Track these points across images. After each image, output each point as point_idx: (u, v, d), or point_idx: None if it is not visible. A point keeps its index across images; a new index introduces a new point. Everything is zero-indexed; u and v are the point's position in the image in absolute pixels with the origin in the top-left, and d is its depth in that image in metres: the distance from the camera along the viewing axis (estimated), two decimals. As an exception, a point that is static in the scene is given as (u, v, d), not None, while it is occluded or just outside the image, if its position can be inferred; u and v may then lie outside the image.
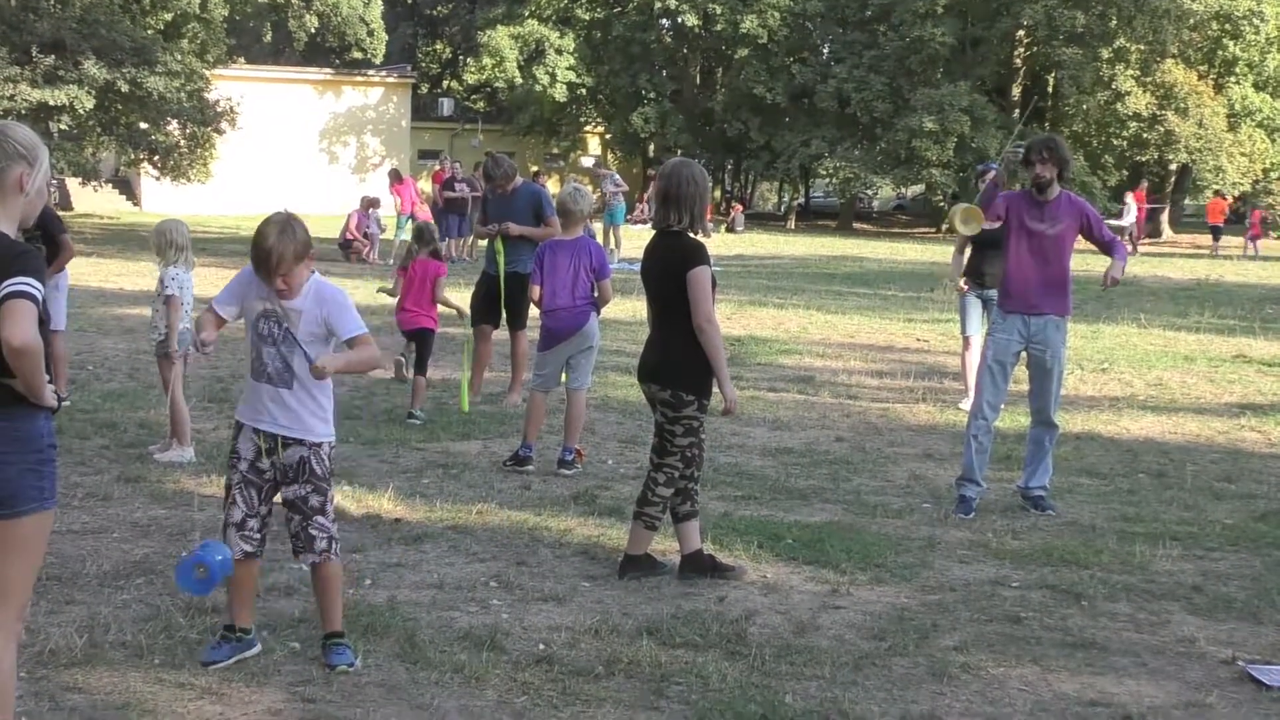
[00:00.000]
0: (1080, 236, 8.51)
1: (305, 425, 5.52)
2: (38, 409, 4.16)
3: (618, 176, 34.96)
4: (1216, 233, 42.10)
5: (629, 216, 37.61)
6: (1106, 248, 8.63)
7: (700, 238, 6.95)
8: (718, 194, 63.74)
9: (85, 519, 7.71)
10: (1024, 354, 8.49)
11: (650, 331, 7.10)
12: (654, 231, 7.06)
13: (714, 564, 6.95)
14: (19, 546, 4.21)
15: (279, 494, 5.60)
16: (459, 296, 11.82)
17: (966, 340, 11.92)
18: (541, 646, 5.77)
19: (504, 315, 11.84)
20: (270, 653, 5.59)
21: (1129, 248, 40.59)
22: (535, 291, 9.50)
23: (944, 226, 20.13)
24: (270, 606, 6.18)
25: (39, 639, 5.57)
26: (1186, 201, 58.33)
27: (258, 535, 5.57)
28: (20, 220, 4.28)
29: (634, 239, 34.35)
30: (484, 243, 12.62)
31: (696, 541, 7.00)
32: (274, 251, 5.33)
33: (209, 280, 23.17)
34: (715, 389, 6.89)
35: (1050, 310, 8.42)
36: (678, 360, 6.78)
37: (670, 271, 6.81)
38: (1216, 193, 47.46)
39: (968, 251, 11.75)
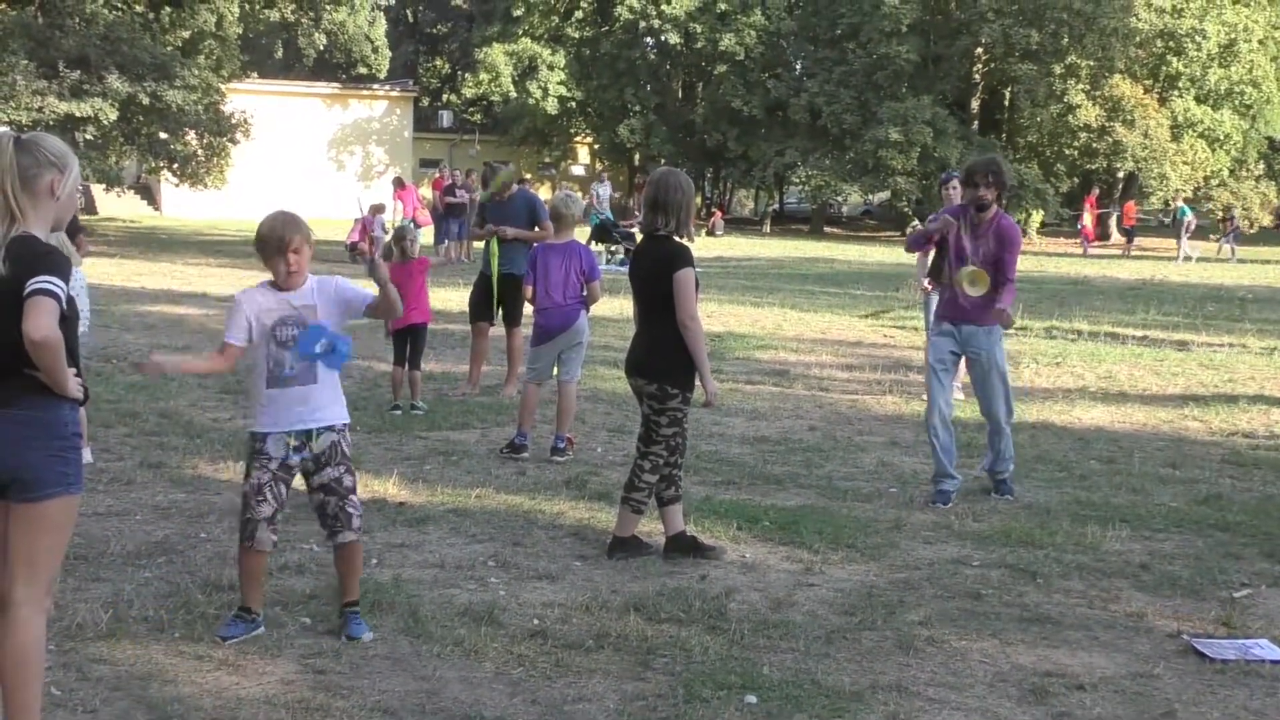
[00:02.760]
0: (1010, 243, 8.28)
1: (333, 412, 5.54)
2: (62, 399, 4.15)
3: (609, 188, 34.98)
4: (1129, 235, 42.67)
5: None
6: (999, 283, 8.21)
7: (685, 241, 6.95)
8: (699, 200, 63.72)
9: (109, 502, 7.69)
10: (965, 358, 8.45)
11: (636, 329, 7.09)
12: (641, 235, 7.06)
13: (696, 545, 6.94)
14: (46, 528, 4.20)
15: (310, 481, 5.57)
16: (458, 296, 11.75)
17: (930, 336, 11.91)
18: (536, 621, 5.76)
19: (499, 313, 11.83)
20: (282, 626, 5.58)
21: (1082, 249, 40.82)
22: (529, 291, 9.50)
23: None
24: (283, 584, 6.17)
25: (67, 614, 5.55)
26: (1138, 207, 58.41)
27: (278, 526, 5.62)
28: (54, 224, 4.28)
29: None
30: (481, 245, 12.60)
31: (680, 524, 7.00)
32: (286, 227, 5.44)
33: (227, 281, 23.16)
34: (698, 383, 6.88)
35: (978, 321, 8.26)
36: (663, 356, 6.77)
37: (657, 272, 6.80)
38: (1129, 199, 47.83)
39: (931, 253, 11.74)
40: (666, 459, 6.89)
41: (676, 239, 6.89)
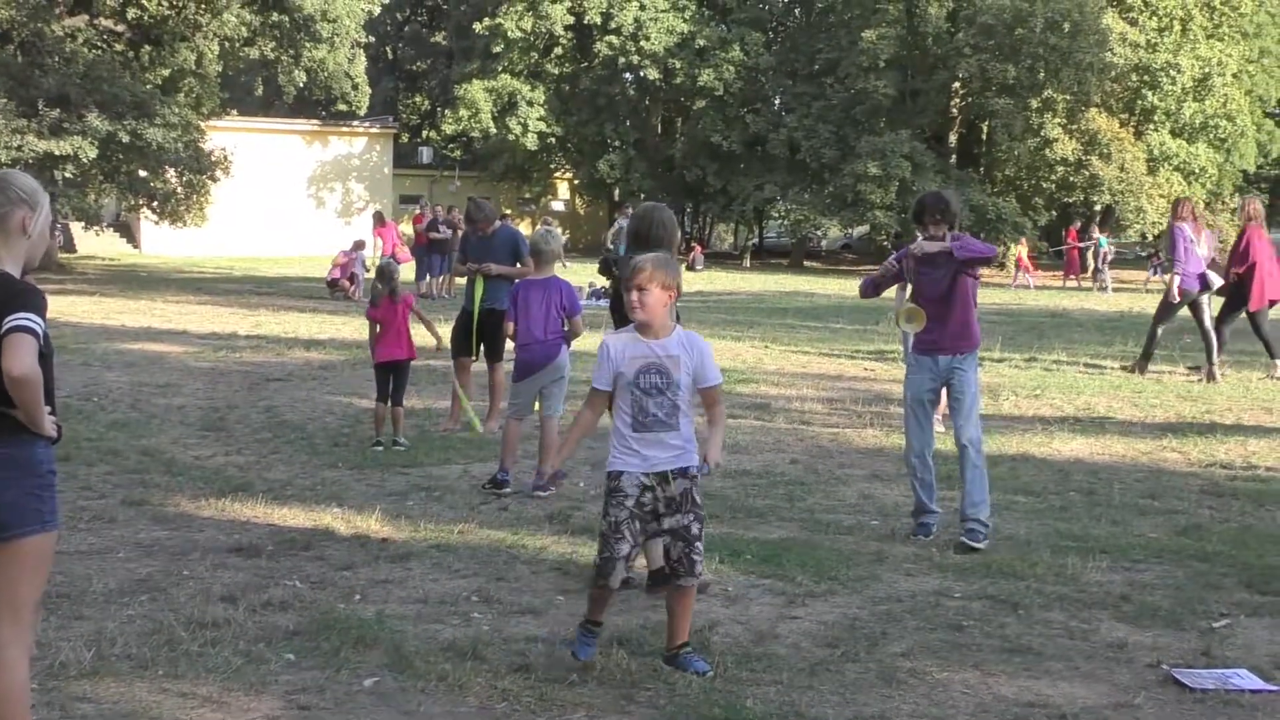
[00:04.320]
0: (970, 266, 8.24)
1: (688, 457, 5.59)
2: (38, 437, 4.17)
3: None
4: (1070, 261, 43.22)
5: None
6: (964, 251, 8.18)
7: None
8: (678, 235, 63.80)
9: (91, 540, 7.68)
10: (945, 387, 8.42)
11: None
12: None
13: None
14: (25, 566, 4.21)
15: (659, 523, 5.61)
16: (440, 332, 11.77)
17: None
18: (519, 656, 5.76)
19: (480, 348, 11.84)
20: (267, 663, 5.57)
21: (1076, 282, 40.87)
22: (510, 327, 9.52)
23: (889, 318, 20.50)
24: (267, 620, 6.17)
25: (50, 653, 5.54)
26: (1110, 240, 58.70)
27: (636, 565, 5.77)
28: (26, 261, 4.30)
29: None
30: (463, 280, 12.63)
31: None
32: (647, 260, 5.58)
33: (207, 318, 23.15)
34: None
35: (955, 350, 8.24)
36: None
37: None
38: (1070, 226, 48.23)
39: (909, 288, 11.76)
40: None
41: None
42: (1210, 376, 16.09)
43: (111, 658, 5.58)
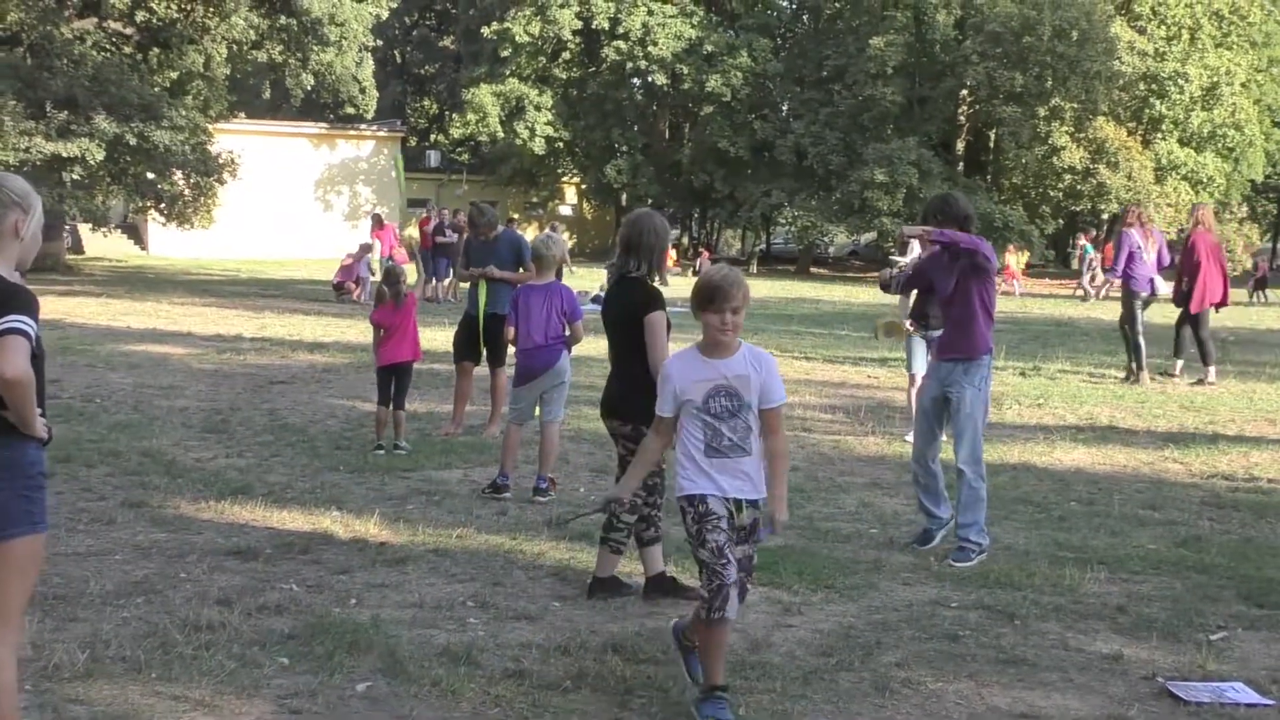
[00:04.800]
0: (974, 267, 8.04)
1: (759, 488, 5.28)
2: (28, 439, 4.18)
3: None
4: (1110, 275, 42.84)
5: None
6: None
7: (657, 284, 7.00)
8: (685, 240, 63.89)
9: (90, 542, 7.69)
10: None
11: (611, 369, 7.13)
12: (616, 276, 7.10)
13: (676, 585, 6.96)
14: (13, 568, 4.22)
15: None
16: (443, 335, 11.78)
17: (912, 378, 11.93)
18: (514, 662, 5.76)
19: (484, 353, 11.86)
20: (260, 667, 5.57)
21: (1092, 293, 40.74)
22: (510, 332, 9.53)
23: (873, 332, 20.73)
24: (261, 624, 6.17)
25: (44, 654, 5.55)
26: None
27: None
28: (18, 263, 4.31)
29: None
30: (467, 285, 12.65)
31: (659, 565, 7.01)
32: (730, 282, 5.25)
33: (212, 320, 23.17)
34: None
35: (955, 354, 8.17)
36: (637, 396, 6.80)
37: (628, 315, 6.86)
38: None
39: (914, 295, 11.76)
40: (645, 499, 6.91)
41: (648, 282, 6.95)
42: (1131, 376, 16.79)
43: (106, 660, 5.59)
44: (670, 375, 5.38)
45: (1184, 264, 16.79)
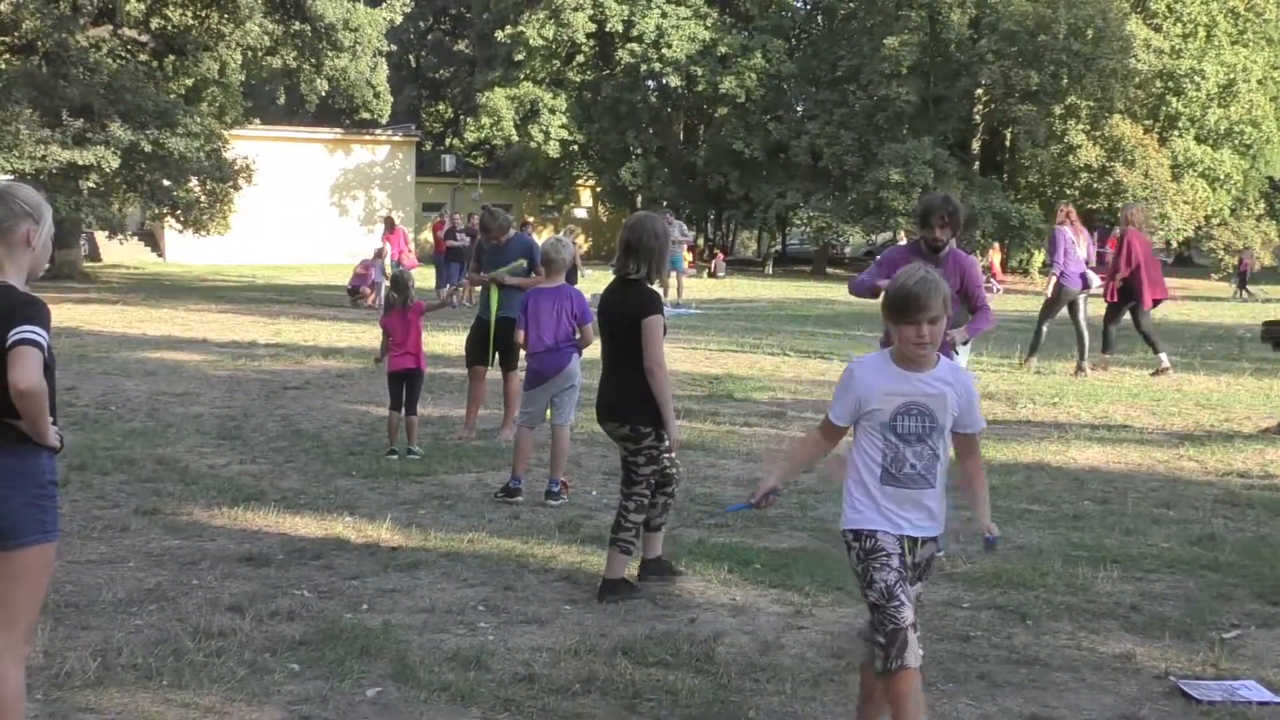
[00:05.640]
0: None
1: (940, 523, 4.71)
2: (41, 448, 4.20)
3: (684, 226, 34.78)
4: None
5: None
6: (974, 310, 8.11)
7: (655, 287, 7.06)
8: (701, 242, 63.90)
9: (103, 549, 7.71)
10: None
11: (605, 371, 7.17)
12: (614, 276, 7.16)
13: (669, 567, 7.22)
14: (23, 576, 4.23)
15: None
16: (455, 340, 11.80)
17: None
18: (524, 666, 5.76)
19: (495, 357, 11.87)
20: (270, 673, 5.58)
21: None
22: (520, 336, 9.55)
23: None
24: (272, 630, 6.18)
25: (55, 662, 5.57)
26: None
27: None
28: (29, 273, 4.33)
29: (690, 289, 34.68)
30: (479, 289, 12.67)
31: (658, 549, 7.18)
32: (927, 287, 4.52)
33: (228, 326, 23.23)
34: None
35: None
36: (632, 397, 6.87)
37: (626, 317, 6.92)
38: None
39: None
40: (651, 498, 6.97)
41: (647, 284, 7.01)
42: (1080, 370, 17.39)
43: (117, 668, 5.60)
44: (855, 379, 4.71)
45: (1119, 261, 17.35)
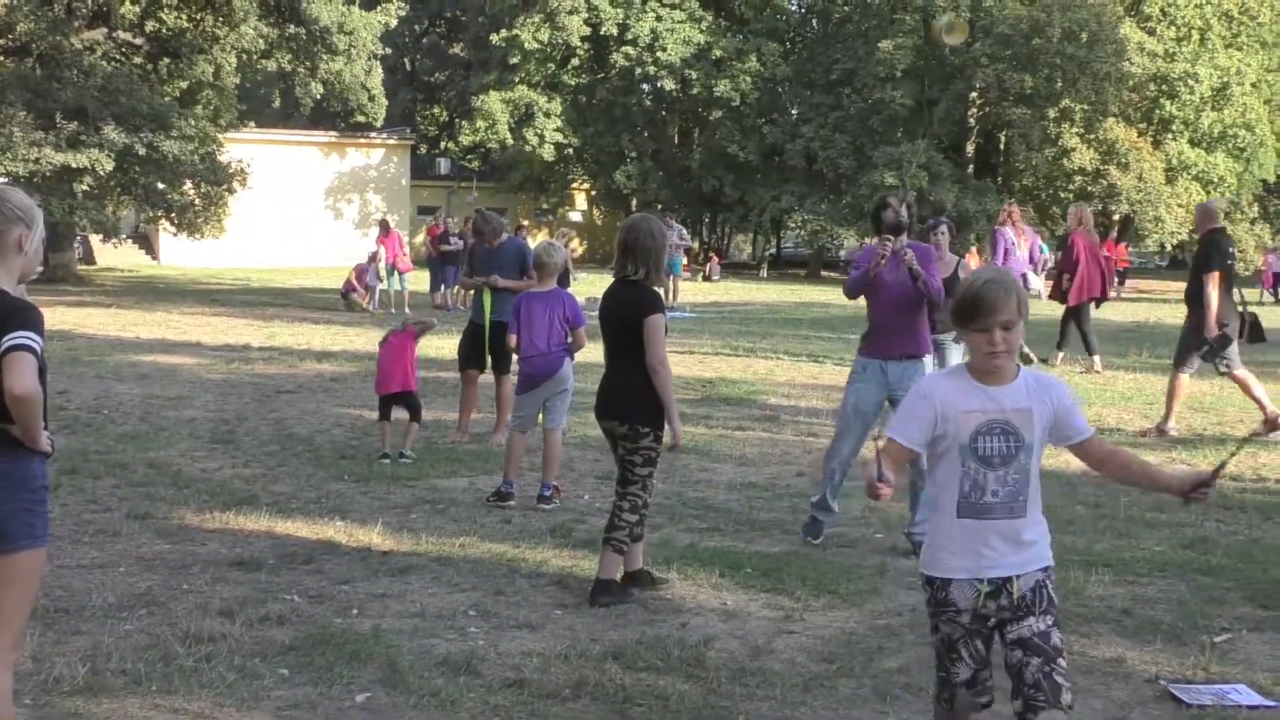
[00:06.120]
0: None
1: (1039, 552, 4.24)
2: (32, 453, 4.19)
3: (683, 230, 34.71)
4: (1122, 277, 42.92)
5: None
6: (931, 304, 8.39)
7: (655, 288, 7.09)
8: (696, 245, 63.90)
9: (94, 554, 7.69)
10: (888, 401, 8.34)
11: (605, 371, 7.18)
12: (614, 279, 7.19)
13: (651, 579, 7.22)
14: (13, 581, 4.22)
15: (1004, 633, 4.22)
16: (449, 344, 11.81)
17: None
18: (514, 671, 5.76)
19: (489, 361, 11.87)
20: (260, 678, 5.57)
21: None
22: (512, 340, 9.54)
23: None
24: (262, 635, 6.17)
25: (44, 668, 5.56)
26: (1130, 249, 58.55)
27: (990, 682, 4.28)
28: (20, 277, 4.33)
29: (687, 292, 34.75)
30: (472, 292, 12.68)
31: (638, 561, 7.20)
32: (997, 289, 4.06)
33: (222, 330, 23.20)
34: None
35: (905, 353, 8.27)
36: (633, 396, 6.90)
37: (627, 317, 6.94)
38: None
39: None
40: (645, 499, 6.98)
41: (646, 285, 7.02)
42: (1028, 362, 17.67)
43: (106, 673, 5.58)
44: (930, 395, 4.19)
45: (1064, 261, 17.73)
